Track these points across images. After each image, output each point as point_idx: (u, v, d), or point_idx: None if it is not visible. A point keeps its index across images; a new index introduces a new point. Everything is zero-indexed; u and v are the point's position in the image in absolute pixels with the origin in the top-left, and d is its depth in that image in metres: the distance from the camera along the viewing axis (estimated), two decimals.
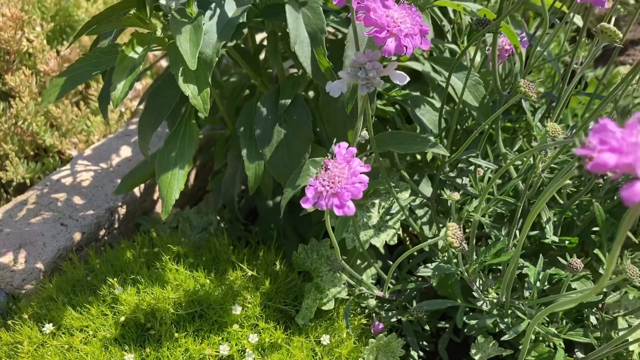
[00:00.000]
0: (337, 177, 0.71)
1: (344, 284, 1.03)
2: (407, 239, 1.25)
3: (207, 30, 0.80)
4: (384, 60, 0.88)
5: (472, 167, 1.08)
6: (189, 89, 0.80)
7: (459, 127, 1.17)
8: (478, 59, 1.18)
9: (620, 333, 0.99)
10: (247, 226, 1.29)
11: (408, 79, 0.78)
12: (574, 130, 1.00)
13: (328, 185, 0.71)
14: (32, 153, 1.65)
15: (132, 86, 0.82)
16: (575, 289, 0.95)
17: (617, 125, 0.46)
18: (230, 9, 0.82)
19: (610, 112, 1.05)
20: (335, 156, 0.74)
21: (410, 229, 1.29)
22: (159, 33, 0.89)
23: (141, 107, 1.48)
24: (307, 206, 0.71)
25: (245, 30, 0.93)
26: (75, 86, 0.90)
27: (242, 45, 1.07)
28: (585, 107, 1.24)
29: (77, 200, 1.29)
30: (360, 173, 0.73)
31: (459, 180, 1.11)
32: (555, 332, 0.92)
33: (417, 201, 1.14)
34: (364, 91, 0.77)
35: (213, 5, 0.82)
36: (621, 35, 0.84)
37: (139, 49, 0.84)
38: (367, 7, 0.71)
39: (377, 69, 0.76)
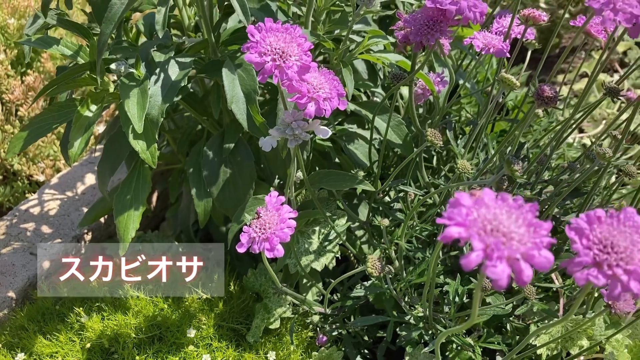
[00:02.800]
0: (268, 224, 0.83)
1: (289, 304, 1.15)
2: (352, 255, 1.37)
3: (153, 94, 0.90)
4: None
5: (401, 194, 1.21)
6: (139, 145, 0.91)
7: (391, 154, 1.30)
8: (406, 92, 1.30)
9: (531, 339, 1.13)
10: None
11: (330, 132, 0.90)
12: (487, 161, 1.13)
13: (260, 232, 0.83)
14: (0, 177, 1.74)
15: (88, 142, 0.92)
16: (490, 303, 1.09)
17: (470, 197, 0.58)
18: (174, 72, 0.93)
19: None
20: (267, 205, 0.85)
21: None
22: (111, 89, 1.00)
23: (104, 135, 1.58)
24: (241, 250, 0.83)
25: (190, 85, 1.04)
26: (38, 139, 1.00)
27: (192, 89, 1.18)
28: (509, 131, 1.37)
29: (45, 229, 1.39)
30: (289, 219, 0.85)
31: (394, 204, 1.23)
32: (471, 342, 1.05)
33: (357, 223, 1.26)
34: (292, 144, 0.88)
35: (158, 70, 0.92)
36: (519, 84, 0.97)
37: (93, 107, 0.95)
38: (290, 78, 0.82)
39: (302, 127, 0.87)
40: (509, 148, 1.24)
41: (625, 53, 2.34)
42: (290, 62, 0.79)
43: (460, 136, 1.42)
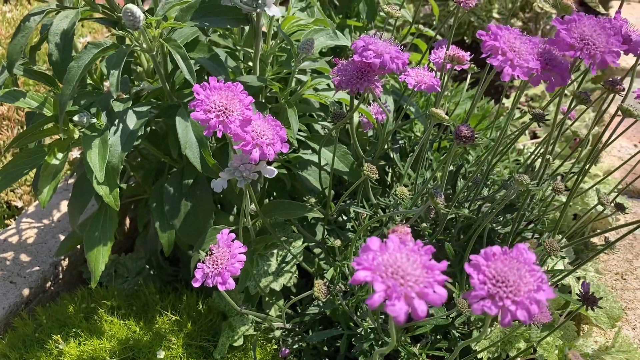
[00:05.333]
0: (220, 260, 0.93)
1: (251, 322, 1.25)
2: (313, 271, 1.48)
3: (113, 144, 0.99)
4: None
5: (353, 214, 1.31)
6: (102, 190, 1.01)
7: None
8: (356, 119, 1.40)
9: (473, 344, 1.24)
10: (174, 270, 1.50)
11: (276, 172, 0.99)
12: (425, 183, 1.24)
13: (213, 267, 0.92)
14: None
15: (56, 189, 1.01)
16: (433, 314, 1.20)
17: (379, 244, 0.68)
18: (132, 121, 1.02)
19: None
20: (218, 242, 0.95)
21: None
22: (76, 136, 1.08)
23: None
24: (196, 285, 0.92)
25: (151, 125, 1.14)
26: (11, 184, 1.08)
27: (154, 127, 1.27)
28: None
29: (24, 257, 1.47)
30: (239, 253, 0.95)
31: (347, 224, 1.34)
32: (416, 352, 1.16)
33: (314, 242, 1.36)
34: (242, 184, 0.98)
35: (117, 120, 1.01)
36: (447, 118, 1.07)
37: (60, 155, 1.04)
38: (233, 131, 0.91)
39: (249, 169, 0.97)
40: (450, 167, 1.35)
41: None
42: (233, 117, 0.89)
43: (411, 154, 1.52)
